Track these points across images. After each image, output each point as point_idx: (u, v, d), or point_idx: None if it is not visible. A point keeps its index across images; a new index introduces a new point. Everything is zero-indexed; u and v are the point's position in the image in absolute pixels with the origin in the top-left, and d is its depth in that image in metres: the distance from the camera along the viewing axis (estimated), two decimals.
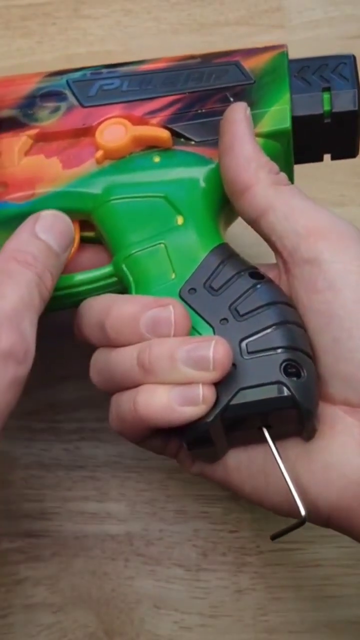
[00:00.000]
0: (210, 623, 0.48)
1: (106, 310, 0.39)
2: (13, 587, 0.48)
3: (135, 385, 0.38)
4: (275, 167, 0.41)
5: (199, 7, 0.59)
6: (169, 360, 0.37)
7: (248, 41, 0.57)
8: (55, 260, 0.40)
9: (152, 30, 0.59)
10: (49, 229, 0.41)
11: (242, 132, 0.41)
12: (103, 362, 0.40)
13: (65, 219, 0.41)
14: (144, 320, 0.38)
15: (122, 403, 0.38)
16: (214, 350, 0.37)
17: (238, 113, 0.41)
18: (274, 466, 0.37)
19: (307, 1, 0.59)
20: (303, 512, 0.36)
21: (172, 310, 0.38)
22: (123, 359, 0.38)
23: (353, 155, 0.45)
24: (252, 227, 0.41)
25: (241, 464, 0.39)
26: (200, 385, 0.37)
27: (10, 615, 0.48)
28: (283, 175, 0.41)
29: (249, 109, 0.42)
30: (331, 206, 0.54)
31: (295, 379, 0.37)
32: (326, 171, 0.56)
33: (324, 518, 0.37)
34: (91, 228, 0.44)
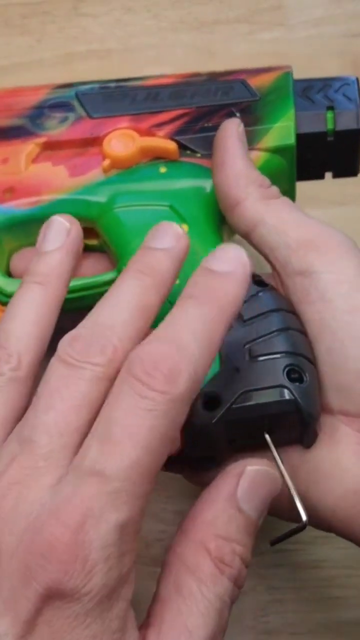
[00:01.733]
0: None
1: None
2: None
3: None
4: (266, 181, 0.42)
5: (199, 5, 0.59)
6: None
7: (248, 39, 0.57)
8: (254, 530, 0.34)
9: (152, 29, 0.58)
10: (251, 497, 0.34)
11: (234, 148, 0.41)
12: None
13: (272, 474, 0.35)
14: None
15: None
16: None
17: (231, 129, 0.42)
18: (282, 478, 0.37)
19: (307, 0, 0.58)
20: (304, 518, 0.36)
21: None
22: None
23: (354, 174, 0.46)
24: (246, 240, 0.41)
25: None
26: None
27: None
28: (274, 189, 0.42)
29: (242, 125, 0.42)
30: (331, 206, 0.54)
31: (297, 383, 0.37)
32: None
33: (325, 524, 0.37)
34: (94, 235, 0.44)
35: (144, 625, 0.33)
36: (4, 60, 0.58)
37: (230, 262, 0.34)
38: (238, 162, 0.41)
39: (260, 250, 0.41)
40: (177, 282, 0.40)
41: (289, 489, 0.37)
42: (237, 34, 0.58)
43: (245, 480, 0.34)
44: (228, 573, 0.32)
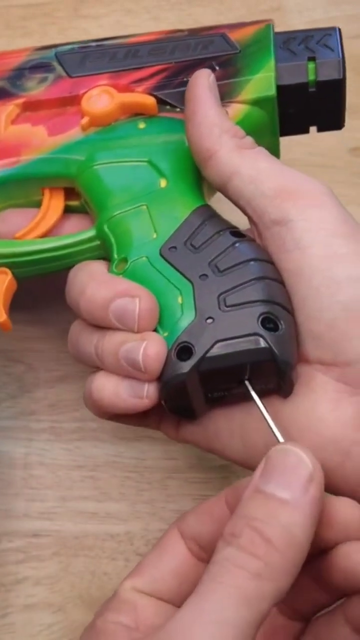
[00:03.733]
0: None
1: (82, 289, 0.39)
2: (13, 587, 0.48)
3: (97, 368, 0.39)
4: (240, 131, 0.41)
5: (199, 7, 0.59)
6: (114, 356, 0.38)
7: None
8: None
9: (152, 30, 0.59)
10: (270, 476, 0.34)
11: (205, 98, 0.41)
12: (75, 337, 0.40)
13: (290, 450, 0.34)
14: (112, 308, 0.38)
15: (86, 383, 0.39)
16: (142, 354, 0.37)
17: (201, 80, 0.41)
18: (251, 428, 0.37)
19: (307, 1, 0.59)
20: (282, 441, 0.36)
21: (137, 304, 0.38)
22: (89, 342, 0.39)
23: (339, 127, 0.46)
24: (222, 193, 0.41)
25: (220, 427, 0.39)
26: (146, 383, 0.38)
27: (10, 615, 0.48)
28: (248, 139, 0.41)
29: (212, 75, 0.42)
30: None
31: (272, 332, 0.37)
32: (326, 171, 0.56)
33: None
34: (76, 197, 0.44)
35: None
36: None
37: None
38: (209, 113, 0.40)
39: (237, 203, 0.40)
40: (155, 236, 0.40)
41: (269, 425, 0.37)
42: None
43: (262, 464, 0.34)
44: (235, 543, 0.32)
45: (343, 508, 0.34)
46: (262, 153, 0.41)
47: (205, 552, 0.36)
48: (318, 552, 0.35)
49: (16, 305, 0.52)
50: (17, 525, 0.49)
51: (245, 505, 0.33)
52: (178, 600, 0.36)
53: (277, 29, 0.45)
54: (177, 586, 0.36)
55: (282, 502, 0.33)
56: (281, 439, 0.36)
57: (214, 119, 0.40)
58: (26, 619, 0.48)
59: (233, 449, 0.39)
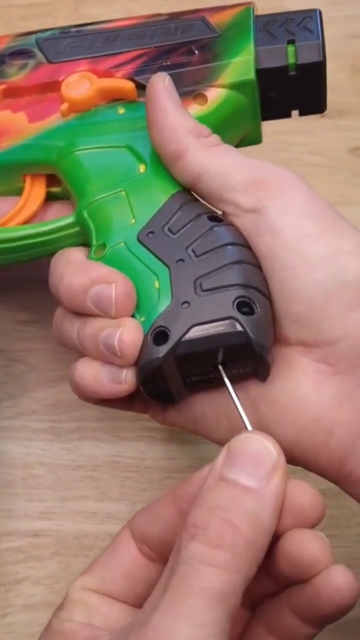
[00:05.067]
0: None
1: (60, 277, 0.40)
2: (13, 586, 0.48)
3: (80, 353, 0.40)
4: (205, 130, 0.41)
5: (199, 7, 0.59)
6: (94, 342, 0.38)
7: None
8: None
9: None
10: (235, 464, 0.34)
11: (163, 103, 0.41)
12: (59, 323, 0.41)
13: (257, 439, 0.35)
14: (89, 295, 0.39)
15: (70, 369, 0.40)
16: (118, 339, 0.38)
17: (157, 84, 0.41)
18: (236, 410, 0.38)
19: (307, 1, 0.59)
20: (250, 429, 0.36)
21: (114, 289, 0.38)
22: (71, 328, 0.40)
23: (321, 111, 0.45)
24: (193, 192, 0.41)
25: (205, 411, 0.40)
26: (125, 368, 0.38)
27: (10, 614, 0.48)
28: (214, 137, 0.41)
29: (168, 77, 0.41)
30: None
31: (248, 315, 0.37)
32: (326, 171, 0.56)
33: (288, 456, 0.36)
34: (58, 183, 0.44)
35: None
36: None
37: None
38: (170, 116, 0.40)
39: (209, 200, 0.41)
40: (133, 221, 0.40)
41: (238, 411, 0.37)
42: None
43: (223, 452, 0.34)
44: (200, 535, 0.32)
45: (300, 492, 0.34)
46: (228, 149, 0.41)
47: (154, 553, 0.36)
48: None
49: (16, 305, 0.52)
50: (17, 525, 0.49)
51: (208, 494, 0.33)
52: (130, 600, 0.36)
53: None
54: (128, 586, 0.36)
55: (247, 490, 0.33)
56: (249, 426, 0.36)
57: (175, 121, 0.40)
58: (26, 619, 0.48)
59: (220, 431, 0.39)
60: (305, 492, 0.34)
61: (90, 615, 0.35)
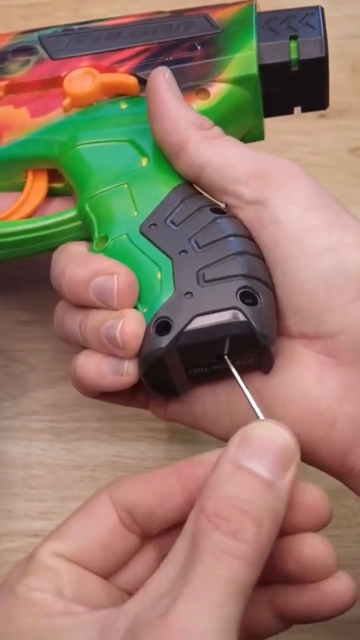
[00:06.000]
0: None
1: (62, 270, 0.40)
2: None
3: (81, 346, 0.39)
4: (207, 122, 0.41)
5: (199, 5, 0.59)
6: (96, 334, 0.38)
7: None
8: None
9: None
10: (252, 453, 0.32)
11: (164, 96, 0.41)
12: (60, 317, 0.41)
13: (273, 427, 0.33)
14: (91, 286, 0.39)
15: (72, 362, 0.40)
16: (120, 330, 0.37)
17: (157, 78, 0.41)
18: (238, 405, 0.37)
19: (306, 1, 0.59)
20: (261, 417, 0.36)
21: (116, 281, 0.38)
22: (73, 321, 0.40)
23: (323, 107, 0.45)
24: (196, 184, 0.41)
25: (207, 405, 0.40)
26: (127, 360, 0.38)
27: None
28: (216, 129, 0.41)
29: (168, 71, 0.41)
30: None
31: (251, 305, 0.37)
32: (326, 171, 0.56)
33: None
34: (60, 179, 0.44)
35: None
36: None
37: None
38: (171, 109, 0.41)
39: (212, 192, 0.41)
40: (136, 214, 0.40)
41: (249, 402, 0.36)
42: None
43: (237, 437, 0.33)
44: (224, 527, 0.31)
45: (314, 495, 0.34)
46: (230, 140, 0.41)
47: (138, 525, 0.35)
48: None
49: (16, 305, 0.52)
50: (17, 525, 0.49)
51: (226, 482, 0.32)
52: (101, 571, 0.34)
53: None
54: (102, 555, 0.34)
55: (269, 484, 0.32)
56: (261, 415, 0.36)
57: (177, 114, 0.40)
58: None
59: (221, 427, 0.39)
60: (312, 492, 0.34)
61: (60, 585, 0.33)
